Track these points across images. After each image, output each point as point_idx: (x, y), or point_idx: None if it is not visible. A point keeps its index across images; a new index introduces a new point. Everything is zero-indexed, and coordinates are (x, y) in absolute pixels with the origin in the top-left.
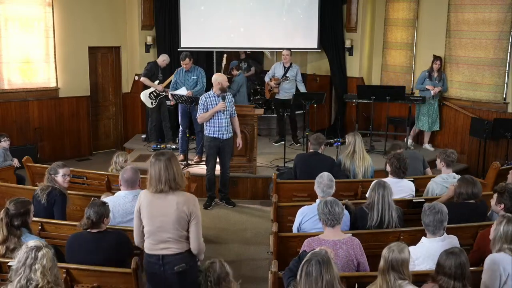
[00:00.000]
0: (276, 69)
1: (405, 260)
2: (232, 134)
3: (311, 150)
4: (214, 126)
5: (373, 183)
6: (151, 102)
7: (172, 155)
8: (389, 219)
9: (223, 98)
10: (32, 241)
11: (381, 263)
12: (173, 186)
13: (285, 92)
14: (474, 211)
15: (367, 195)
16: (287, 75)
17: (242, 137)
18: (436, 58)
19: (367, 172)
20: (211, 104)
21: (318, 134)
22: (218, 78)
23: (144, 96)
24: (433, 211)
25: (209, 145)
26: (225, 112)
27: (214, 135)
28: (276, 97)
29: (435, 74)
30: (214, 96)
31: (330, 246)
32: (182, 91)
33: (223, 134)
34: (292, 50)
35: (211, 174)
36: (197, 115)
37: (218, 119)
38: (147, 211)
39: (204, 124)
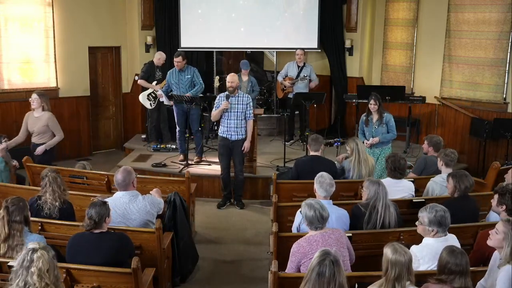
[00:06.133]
0: (289, 69)
1: (411, 258)
2: (243, 136)
3: (312, 153)
4: (223, 126)
5: (366, 182)
6: (150, 103)
7: None
8: (390, 216)
9: (227, 98)
10: (31, 243)
11: (394, 270)
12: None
13: (300, 91)
14: (468, 206)
15: (363, 194)
16: (302, 74)
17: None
18: (370, 96)
19: (371, 173)
20: (220, 103)
21: (316, 135)
22: (226, 79)
23: (142, 97)
24: (443, 212)
25: (219, 144)
26: (236, 113)
27: (223, 135)
28: (289, 96)
29: (374, 118)
30: (223, 96)
31: (320, 238)
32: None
33: (231, 135)
34: (306, 50)
35: (224, 174)
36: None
37: (227, 119)
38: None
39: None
